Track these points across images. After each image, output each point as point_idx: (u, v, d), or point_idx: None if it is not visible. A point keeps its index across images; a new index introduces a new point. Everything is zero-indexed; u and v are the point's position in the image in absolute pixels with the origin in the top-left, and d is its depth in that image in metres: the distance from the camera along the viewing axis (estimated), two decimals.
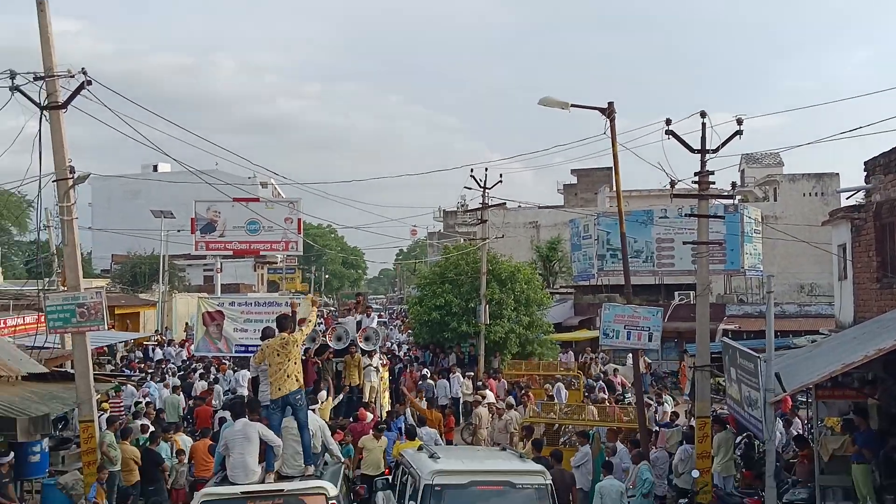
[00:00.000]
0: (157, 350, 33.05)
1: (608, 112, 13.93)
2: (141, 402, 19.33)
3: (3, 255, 55.43)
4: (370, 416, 17.19)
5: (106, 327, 13.84)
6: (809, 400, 14.99)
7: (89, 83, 12.82)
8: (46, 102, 12.83)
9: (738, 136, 12.93)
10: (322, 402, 15.78)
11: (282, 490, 8.85)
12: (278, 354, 9.73)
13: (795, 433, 16.89)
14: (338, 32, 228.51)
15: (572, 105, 14.01)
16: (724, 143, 12.97)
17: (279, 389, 9.62)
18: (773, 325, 11.31)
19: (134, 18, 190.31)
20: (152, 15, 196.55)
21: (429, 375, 24.39)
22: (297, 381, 9.77)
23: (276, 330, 10.09)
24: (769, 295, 11.21)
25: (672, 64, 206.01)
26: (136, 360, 30.47)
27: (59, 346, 17.81)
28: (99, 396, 17.86)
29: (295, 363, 9.83)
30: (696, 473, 13.31)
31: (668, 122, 13.10)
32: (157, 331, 40.94)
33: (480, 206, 28.07)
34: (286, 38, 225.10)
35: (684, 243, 27.38)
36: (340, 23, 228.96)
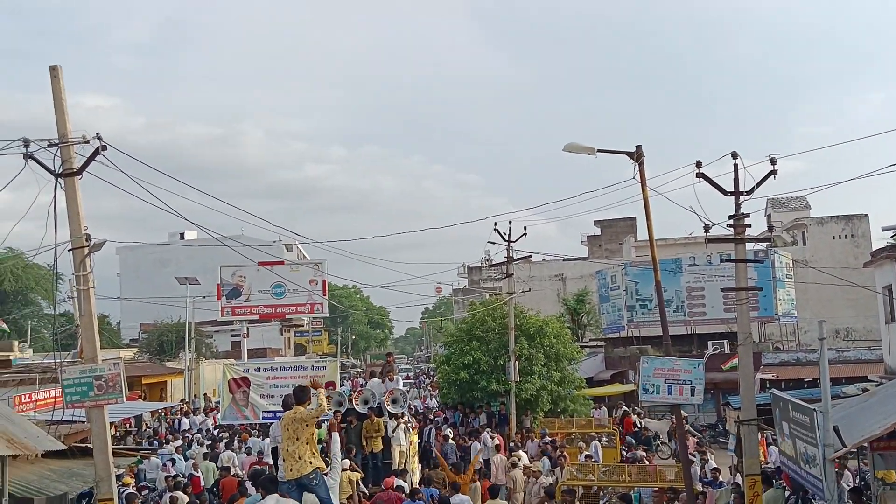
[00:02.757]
0: (184, 419, 32.53)
1: (636, 156, 13.46)
2: (173, 475, 18.83)
3: (32, 328, 55.51)
4: (401, 483, 16.50)
5: (125, 399, 13.36)
6: (862, 451, 14.16)
7: (104, 148, 12.57)
8: (61, 170, 12.59)
9: (772, 175, 12.40)
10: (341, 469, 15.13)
11: None
12: (288, 430, 9.22)
13: (847, 486, 15.98)
14: (359, 96, 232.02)
15: (599, 150, 13.57)
16: (758, 184, 12.44)
17: (290, 471, 9.10)
18: (828, 375, 10.59)
19: (164, 93, 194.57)
20: (181, 88, 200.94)
21: (451, 437, 23.57)
22: (310, 462, 9.22)
23: (295, 402, 9.58)
24: (822, 342, 10.54)
25: (688, 115, 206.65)
26: (165, 431, 29.98)
27: (84, 421, 17.40)
28: (124, 470, 17.42)
29: (307, 443, 9.29)
30: None
31: (699, 164, 12.63)
32: (183, 400, 40.50)
33: (505, 259, 27.61)
34: (311, 104, 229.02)
35: (722, 290, 26.65)
36: (361, 87, 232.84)
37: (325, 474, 9.74)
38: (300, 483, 9.15)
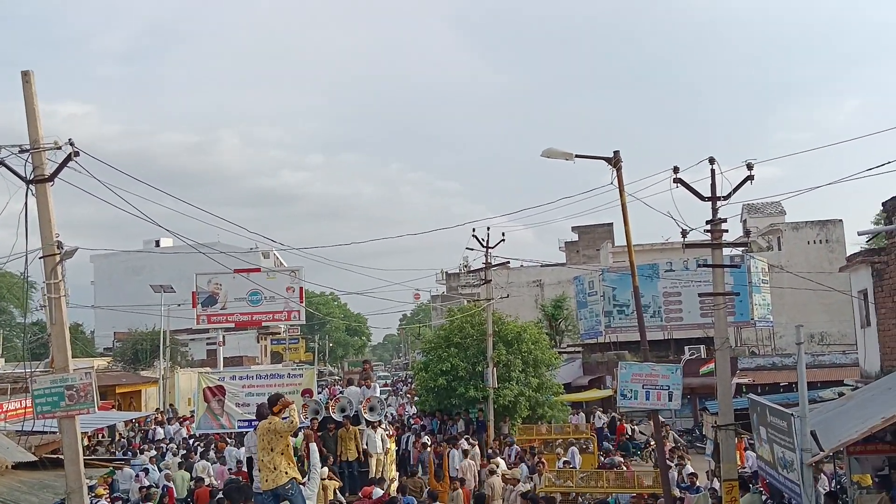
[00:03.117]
0: (158, 429, 32.13)
1: (614, 161, 13.46)
2: (146, 486, 18.57)
3: (4, 337, 54.68)
4: (379, 491, 16.37)
5: (97, 409, 13.12)
6: (838, 455, 14.21)
7: (76, 154, 12.37)
8: (32, 176, 12.37)
9: (749, 180, 12.43)
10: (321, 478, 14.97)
11: None
12: (263, 440, 9.08)
13: (823, 490, 16.04)
14: (337, 104, 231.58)
15: (577, 156, 13.55)
16: (735, 189, 12.47)
17: (266, 481, 8.96)
18: (805, 379, 10.60)
19: (141, 101, 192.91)
20: (158, 96, 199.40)
21: (429, 444, 23.43)
22: (285, 473, 9.09)
23: (269, 411, 9.41)
24: (799, 347, 10.53)
25: (665, 121, 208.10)
26: (139, 441, 29.58)
27: (55, 432, 17.11)
28: (97, 481, 17.12)
29: (282, 454, 9.15)
30: None
31: (676, 169, 12.64)
32: (158, 409, 40.05)
33: (483, 265, 27.56)
34: (288, 112, 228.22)
35: (699, 295, 26.75)
36: (339, 94, 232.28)
37: (302, 485, 9.60)
38: (276, 494, 9.02)
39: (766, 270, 42.90)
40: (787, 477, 11.08)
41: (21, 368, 33.31)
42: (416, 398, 36.90)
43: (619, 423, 31.54)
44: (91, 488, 15.35)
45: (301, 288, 46.81)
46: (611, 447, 26.26)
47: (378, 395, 20.30)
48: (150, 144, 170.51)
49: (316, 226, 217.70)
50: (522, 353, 27.85)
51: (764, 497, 15.51)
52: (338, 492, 16.26)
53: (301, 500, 9.16)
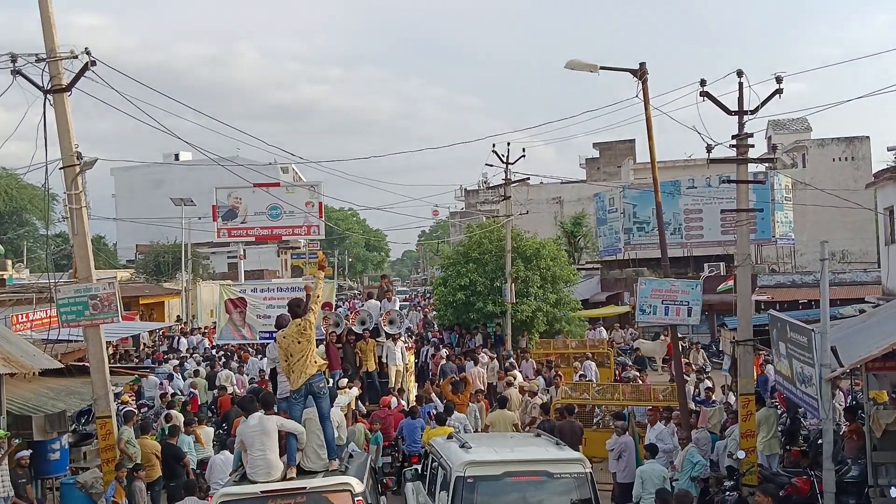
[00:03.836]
0: (182, 339, 32.72)
1: (640, 73, 13.11)
2: (169, 394, 19.01)
3: (28, 248, 55.42)
4: (395, 401, 16.68)
5: (120, 318, 13.34)
6: (856, 372, 14.22)
7: (93, 64, 12.26)
8: (50, 86, 12.27)
9: (778, 94, 12.10)
10: (344, 390, 15.23)
11: (304, 488, 8.26)
12: (299, 342, 9.07)
13: (840, 406, 16.15)
14: (356, 15, 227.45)
15: (601, 67, 13.22)
16: (764, 102, 12.16)
17: (301, 375, 8.96)
18: (827, 296, 10.51)
19: (157, 12, 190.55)
20: (175, 7, 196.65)
21: (446, 357, 23.70)
22: (316, 363, 9.13)
23: (290, 317, 9.41)
24: (823, 263, 10.41)
25: (693, 35, 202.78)
26: (163, 351, 30.16)
27: (81, 340, 17.44)
28: (123, 388, 17.52)
29: (314, 345, 9.23)
30: (741, 454, 12.62)
31: (703, 82, 12.31)
32: (178, 318, 40.71)
33: (503, 182, 27.37)
34: (306, 24, 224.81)
35: (722, 211, 26.45)
36: (358, 5, 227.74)
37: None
38: (308, 388, 9.02)
39: (790, 187, 42.36)
40: (806, 392, 11.12)
41: (45, 279, 33.80)
42: (434, 312, 37.22)
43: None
44: (117, 395, 15.72)
45: (320, 203, 46.75)
46: (627, 362, 26.47)
47: (397, 308, 20.49)
48: (167, 57, 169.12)
49: (335, 140, 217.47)
50: (541, 269, 27.86)
51: (780, 411, 15.64)
52: (358, 401, 16.58)
53: (327, 401, 9.24)
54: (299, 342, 9.05)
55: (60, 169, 12.58)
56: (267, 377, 16.23)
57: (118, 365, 19.83)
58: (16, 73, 12.19)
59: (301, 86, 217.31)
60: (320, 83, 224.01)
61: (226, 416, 16.89)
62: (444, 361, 22.41)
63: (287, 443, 8.63)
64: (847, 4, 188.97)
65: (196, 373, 22.28)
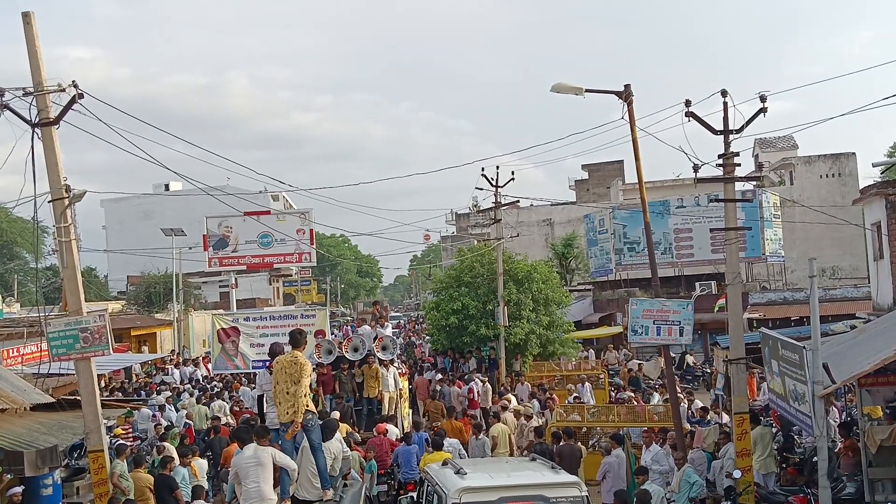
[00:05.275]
0: (174, 371, 32.53)
1: (625, 95, 13.23)
2: (163, 425, 18.89)
3: (18, 282, 55.19)
4: (394, 429, 16.61)
5: (111, 351, 13.27)
6: (849, 388, 14.25)
7: (81, 97, 12.28)
8: (37, 119, 12.28)
9: (762, 113, 12.22)
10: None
11: None
12: (286, 373, 9.07)
13: (834, 422, 16.16)
14: (345, 42, 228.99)
15: (587, 90, 13.33)
16: (749, 121, 12.28)
17: (286, 413, 8.98)
18: (818, 312, 10.55)
19: (147, 43, 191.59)
20: (163, 37, 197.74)
21: (437, 380, 23.70)
22: (306, 406, 9.13)
23: (290, 346, 9.42)
24: (812, 280, 10.48)
25: (677, 57, 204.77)
26: (156, 383, 29.96)
27: (72, 374, 17.34)
28: (115, 421, 17.40)
29: (302, 385, 9.19)
30: (738, 474, 12.59)
31: (688, 103, 12.44)
32: (173, 350, 40.52)
33: (493, 205, 27.46)
34: (295, 52, 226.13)
35: (711, 230, 26.58)
36: (347, 32, 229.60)
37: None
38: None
39: (778, 205, 42.61)
40: (799, 409, 11.13)
41: (35, 313, 33.62)
42: (427, 337, 37.13)
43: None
44: (109, 428, 15.61)
45: (311, 230, 46.84)
46: (621, 383, 26.45)
47: (390, 334, 20.45)
48: (158, 87, 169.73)
49: (326, 167, 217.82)
50: (533, 291, 27.89)
51: (774, 429, 15.63)
52: (354, 428, 16.47)
53: (318, 433, 9.22)
54: (286, 373, 9.09)
55: (49, 202, 12.57)
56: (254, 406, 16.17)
57: (110, 398, 19.70)
58: (3, 106, 12.21)
59: (292, 113, 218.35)
60: (311, 111, 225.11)
61: (210, 446, 16.82)
62: (438, 386, 22.45)
63: (280, 477, 8.60)
64: (831, 22, 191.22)
65: (199, 400, 22.21)
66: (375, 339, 19.32)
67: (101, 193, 56.92)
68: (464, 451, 15.03)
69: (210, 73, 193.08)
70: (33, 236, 52.26)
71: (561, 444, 14.29)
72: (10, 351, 21.82)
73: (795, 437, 15.66)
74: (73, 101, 12.32)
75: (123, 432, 17.28)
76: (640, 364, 30.44)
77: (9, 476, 11.67)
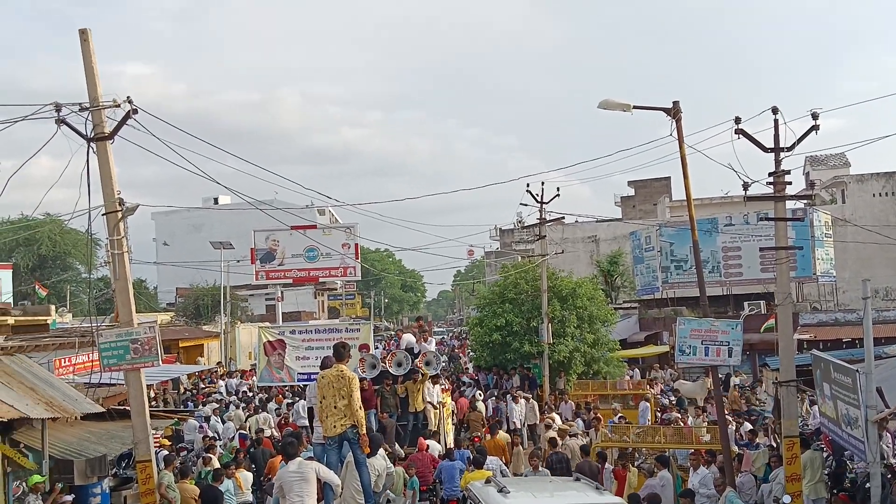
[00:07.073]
0: (220, 382, 32.93)
1: (673, 112, 13.11)
2: (210, 437, 19.07)
3: (71, 292, 56.37)
4: (436, 445, 16.55)
5: (160, 362, 13.47)
6: None
7: (135, 112, 12.55)
8: (93, 134, 12.58)
9: (814, 130, 12.01)
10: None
11: None
12: (333, 387, 9.12)
13: (888, 447, 15.70)
14: (393, 59, 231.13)
15: (635, 107, 13.24)
16: (800, 139, 12.06)
17: (334, 427, 9.01)
18: (871, 334, 10.30)
19: (203, 59, 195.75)
20: (216, 54, 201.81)
21: (480, 398, 23.56)
22: (352, 417, 9.15)
23: (334, 359, 9.48)
24: (865, 301, 10.25)
25: (725, 75, 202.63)
26: (203, 393, 30.37)
27: (122, 384, 17.63)
28: (163, 432, 17.64)
29: (349, 399, 9.22)
30: (787, 499, 12.31)
31: (738, 120, 12.26)
32: (219, 363, 41.02)
33: (538, 221, 27.37)
34: (346, 69, 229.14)
35: (761, 249, 26.14)
36: (397, 49, 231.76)
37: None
38: (342, 437, 9.06)
39: (830, 224, 41.78)
40: (852, 434, 10.86)
41: (88, 323, 34.28)
42: (470, 353, 37.05)
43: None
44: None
45: (357, 244, 47.23)
46: (669, 403, 26.05)
47: (434, 349, 20.42)
48: (213, 103, 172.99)
49: (373, 182, 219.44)
50: (577, 308, 27.68)
51: (826, 454, 15.26)
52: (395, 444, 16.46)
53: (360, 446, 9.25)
54: (333, 387, 9.11)
55: (103, 215, 12.84)
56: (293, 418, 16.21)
57: (158, 409, 19.99)
58: (60, 122, 12.53)
59: (342, 129, 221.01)
60: (360, 126, 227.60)
61: (253, 458, 16.94)
62: (479, 402, 22.34)
63: (324, 492, 8.63)
64: (887, 38, 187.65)
65: (262, 407, 22.43)
66: (419, 354, 19.31)
67: (153, 206, 57.79)
68: (506, 469, 14.92)
69: (262, 89, 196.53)
70: (87, 248, 53.45)
71: (582, 462, 14.29)
72: (63, 360, 22.21)
73: (847, 462, 15.26)
74: (127, 116, 12.60)
75: (169, 443, 17.49)
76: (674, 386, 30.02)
77: (59, 485, 11.88)
